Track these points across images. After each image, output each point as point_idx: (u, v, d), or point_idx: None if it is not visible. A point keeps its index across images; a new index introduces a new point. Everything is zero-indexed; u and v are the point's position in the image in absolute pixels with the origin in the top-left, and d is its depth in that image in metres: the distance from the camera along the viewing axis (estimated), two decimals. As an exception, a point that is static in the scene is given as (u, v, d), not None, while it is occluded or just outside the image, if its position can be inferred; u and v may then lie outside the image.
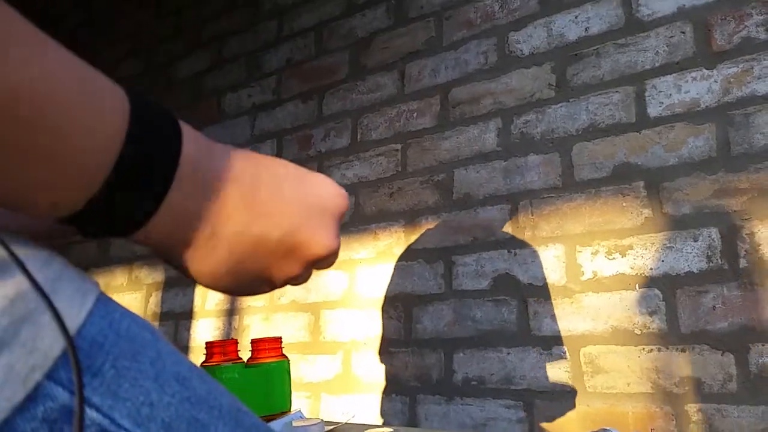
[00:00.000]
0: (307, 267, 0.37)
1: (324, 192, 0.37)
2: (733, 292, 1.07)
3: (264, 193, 0.34)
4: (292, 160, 1.77)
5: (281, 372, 1.12)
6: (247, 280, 0.35)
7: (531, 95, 1.38)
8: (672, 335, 1.11)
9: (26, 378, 0.24)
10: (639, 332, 1.15)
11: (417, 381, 1.40)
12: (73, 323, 0.26)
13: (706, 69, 1.17)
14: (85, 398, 0.26)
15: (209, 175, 0.31)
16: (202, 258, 0.32)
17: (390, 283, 1.50)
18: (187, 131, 0.31)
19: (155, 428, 0.28)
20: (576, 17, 1.35)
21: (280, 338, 1.16)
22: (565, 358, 1.22)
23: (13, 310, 0.24)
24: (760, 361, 1.03)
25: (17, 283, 0.25)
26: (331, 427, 1.12)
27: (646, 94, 1.22)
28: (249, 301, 1.75)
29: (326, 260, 0.38)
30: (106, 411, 0.27)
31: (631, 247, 1.18)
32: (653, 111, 1.21)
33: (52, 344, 0.25)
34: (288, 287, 1.69)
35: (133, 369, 0.28)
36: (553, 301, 1.25)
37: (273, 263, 0.35)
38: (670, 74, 1.21)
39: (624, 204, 1.21)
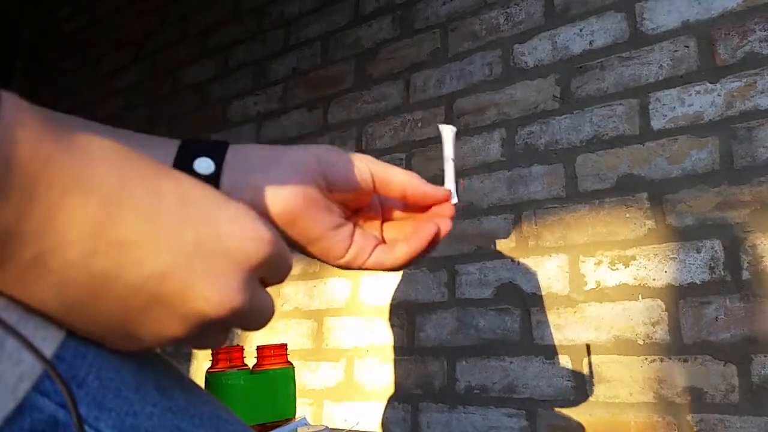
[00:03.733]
0: (199, 328, 0.27)
1: (232, 230, 0.26)
2: (735, 304, 1.08)
3: (125, 213, 0.24)
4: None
5: (286, 379, 1.13)
6: (94, 330, 0.26)
7: (535, 107, 1.39)
8: (674, 346, 1.12)
9: (15, 388, 0.24)
10: (642, 342, 1.15)
11: (419, 389, 1.41)
12: (56, 335, 0.26)
13: (710, 83, 1.18)
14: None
15: (42, 175, 0.22)
16: (19, 287, 0.24)
17: (393, 290, 1.51)
18: (21, 108, 0.22)
19: None
20: (581, 30, 1.37)
21: (286, 345, 1.17)
22: (568, 368, 1.22)
23: None
24: (762, 372, 1.04)
25: None
26: (336, 434, 1.13)
27: (650, 106, 1.24)
28: (252, 308, 1.76)
29: (227, 321, 0.27)
30: (92, 422, 0.27)
31: (634, 258, 1.19)
32: (657, 123, 1.23)
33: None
34: (291, 293, 1.70)
35: (116, 380, 0.28)
36: (556, 311, 1.26)
37: (134, 315, 0.25)
38: (674, 87, 1.22)
39: (627, 215, 1.22)
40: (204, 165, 0.39)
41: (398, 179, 0.43)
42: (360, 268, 0.44)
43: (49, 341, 0.26)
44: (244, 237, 0.27)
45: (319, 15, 1.88)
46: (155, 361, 0.33)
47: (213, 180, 0.39)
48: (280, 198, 0.39)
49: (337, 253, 0.42)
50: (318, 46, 1.85)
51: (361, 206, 0.45)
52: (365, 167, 0.42)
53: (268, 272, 0.29)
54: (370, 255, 0.43)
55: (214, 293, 0.25)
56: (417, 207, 0.46)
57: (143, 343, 0.27)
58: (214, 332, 0.28)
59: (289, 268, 0.31)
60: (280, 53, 1.94)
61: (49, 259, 0.23)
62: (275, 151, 0.41)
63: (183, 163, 0.39)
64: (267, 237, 0.27)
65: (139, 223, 0.24)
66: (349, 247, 0.43)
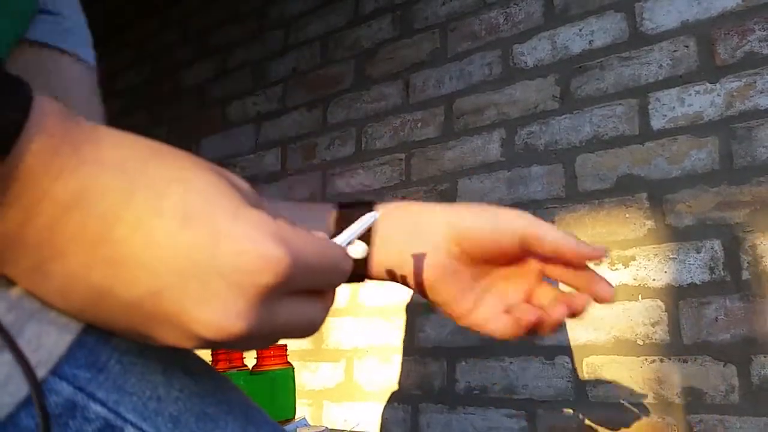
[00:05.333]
0: (207, 346, 0.25)
1: (233, 250, 0.23)
2: (735, 304, 1.08)
3: (122, 230, 0.23)
4: (297, 169, 1.79)
5: (286, 379, 1.13)
6: (107, 327, 0.26)
7: (535, 107, 1.39)
8: (674, 346, 1.12)
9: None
10: (641, 343, 1.15)
11: (419, 389, 1.40)
12: (78, 321, 0.27)
13: (710, 83, 1.18)
14: (90, 393, 0.27)
15: (49, 190, 0.22)
16: (29, 288, 0.25)
17: (393, 291, 1.51)
18: (49, 114, 0.22)
19: (162, 422, 0.28)
20: (580, 30, 1.36)
21: (286, 346, 1.17)
22: (568, 368, 1.22)
23: (18, 308, 0.25)
24: (762, 372, 1.04)
25: (19, 286, 0.25)
26: (335, 434, 1.13)
27: (650, 106, 1.24)
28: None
29: (236, 344, 0.25)
30: (111, 405, 0.27)
31: (633, 258, 1.19)
32: (656, 123, 1.22)
33: (56, 341, 0.26)
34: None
35: (140, 364, 0.29)
36: (556, 311, 1.26)
37: (139, 326, 0.25)
38: (674, 87, 1.22)
39: (627, 215, 1.22)
40: (358, 250, 0.43)
41: (550, 237, 0.42)
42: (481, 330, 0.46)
43: (70, 326, 0.26)
44: (247, 256, 0.23)
45: (318, 15, 1.88)
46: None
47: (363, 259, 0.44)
48: (415, 271, 0.44)
49: (458, 315, 0.45)
50: (317, 46, 1.85)
51: (513, 261, 0.46)
52: (510, 228, 0.43)
53: (302, 285, 0.26)
54: (489, 322, 0.45)
55: (211, 318, 0.23)
56: (573, 268, 0.45)
57: (163, 344, 0.26)
58: (243, 344, 0.26)
59: (338, 272, 0.28)
60: (280, 53, 1.94)
61: (49, 268, 0.23)
62: (415, 221, 0.44)
63: None
64: (275, 255, 0.24)
65: (133, 242, 0.23)
66: (472, 311, 0.45)
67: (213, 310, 0.23)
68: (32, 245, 0.23)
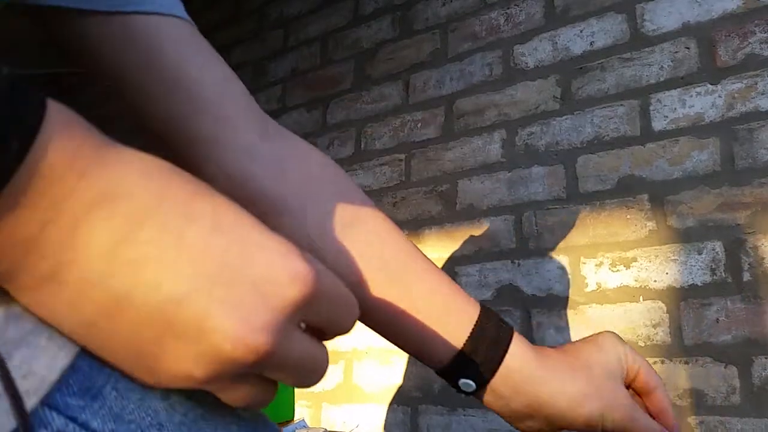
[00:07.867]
0: (219, 371, 0.23)
1: (263, 260, 0.23)
2: (736, 305, 1.08)
3: (151, 231, 0.22)
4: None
5: (286, 380, 1.12)
6: (110, 356, 0.24)
7: (536, 107, 1.39)
8: (675, 347, 1.12)
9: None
10: (643, 344, 1.15)
11: (419, 391, 1.40)
12: (73, 344, 0.25)
13: (711, 84, 1.18)
14: (83, 423, 0.25)
15: (75, 188, 0.21)
16: (34, 301, 0.23)
17: (393, 292, 1.50)
18: (64, 118, 0.22)
19: None
20: (581, 31, 1.36)
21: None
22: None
23: (6, 333, 0.23)
24: (763, 373, 1.03)
25: (9, 307, 0.24)
26: (335, 436, 1.12)
27: (651, 107, 1.24)
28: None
29: (249, 365, 0.23)
30: None
31: (635, 260, 1.19)
32: (658, 125, 1.22)
33: (49, 368, 0.24)
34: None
35: (138, 389, 0.27)
36: (557, 313, 1.26)
37: (148, 347, 0.23)
38: (675, 89, 1.22)
39: (628, 216, 1.22)
40: (467, 385, 0.44)
41: (653, 383, 0.48)
42: None
43: (65, 350, 0.25)
44: (276, 269, 0.23)
45: (318, 15, 1.88)
46: None
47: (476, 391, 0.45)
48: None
49: None
50: (317, 46, 1.85)
51: None
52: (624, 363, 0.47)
53: (316, 317, 0.26)
54: None
55: (235, 326, 0.22)
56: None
57: (160, 380, 0.25)
58: (241, 382, 0.25)
59: (351, 314, 0.28)
60: (280, 53, 1.94)
61: (67, 272, 0.22)
62: (537, 395, 0.44)
63: (449, 376, 0.45)
64: (305, 272, 0.24)
65: (161, 242, 0.22)
66: None
67: (238, 318, 0.22)
68: (53, 248, 0.21)
